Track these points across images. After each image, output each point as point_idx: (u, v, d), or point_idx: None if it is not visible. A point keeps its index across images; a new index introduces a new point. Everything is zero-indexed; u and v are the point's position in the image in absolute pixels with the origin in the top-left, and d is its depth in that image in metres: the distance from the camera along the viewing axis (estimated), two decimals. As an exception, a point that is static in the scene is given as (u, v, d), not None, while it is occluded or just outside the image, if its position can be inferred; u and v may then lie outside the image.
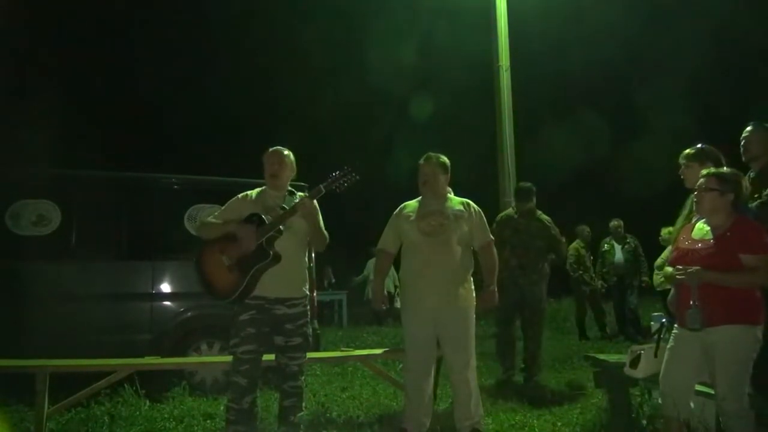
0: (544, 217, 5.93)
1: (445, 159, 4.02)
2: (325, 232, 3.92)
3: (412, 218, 3.91)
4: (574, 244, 9.38)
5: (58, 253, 5.23)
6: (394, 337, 8.65)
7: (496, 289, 3.93)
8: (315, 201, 3.88)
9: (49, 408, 4.03)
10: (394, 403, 4.85)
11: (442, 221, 3.84)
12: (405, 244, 3.94)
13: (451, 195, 4.09)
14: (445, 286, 3.76)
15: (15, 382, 4.27)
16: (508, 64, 10.34)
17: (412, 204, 4.02)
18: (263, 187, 3.91)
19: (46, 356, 4.25)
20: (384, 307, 4.08)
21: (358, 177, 3.79)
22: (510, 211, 6.06)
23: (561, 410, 4.72)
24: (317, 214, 3.76)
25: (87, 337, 5.01)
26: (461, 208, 3.95)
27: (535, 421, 4.40)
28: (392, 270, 12.24)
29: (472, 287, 3.89)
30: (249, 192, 3.91)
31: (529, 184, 6.00)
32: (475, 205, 4.02)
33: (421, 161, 3.99)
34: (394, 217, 4.05)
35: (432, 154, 4.00)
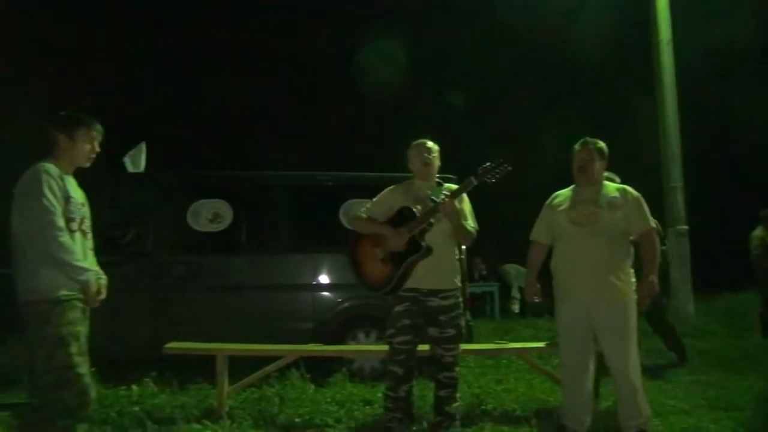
0: None
1: (602, 144, 3.80)
2: (473, 225, 3.88)
3: (563, 208, 3.75)
4: (758, 232, 8.38)
5: (231, 247, 5.77)
6: (548, 330, 8.37)
7: (656, 280, 3.64)
8: (465, 195, 3.87)
9: (228, 387, 4.46)
10: (552, 399, 4.70)
11: (594, 210, 3.63)
12: (556, 235, 3.80)
13: (609, 182, 3.86)
14: (598, 278, 3.56)
15: (199, 363, 4.76)
16: (670, 37, 9.52)
17: (565, 193, 3.86)
18: (411, 180, 3.98)
19: (224, 341, 4.70)
20: (537, 300, 3.96)
21: (510, 168, 3.72)
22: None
23: (742, 415, 4.27)
24: (459, 213, 3.74)
25: (257, 324, 5.46)
26: (616, 195, 3.70)
27: (711, 425, 4.03)
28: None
29: (632, 279, 3.64)
30: (398, 185, 4.00)
31: None
32: (633, 191, 3.74)
33: (576, 147, 3.80)
34: (545, 207, 3.91)
35: (588, 139, 3.80)
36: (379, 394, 4.34)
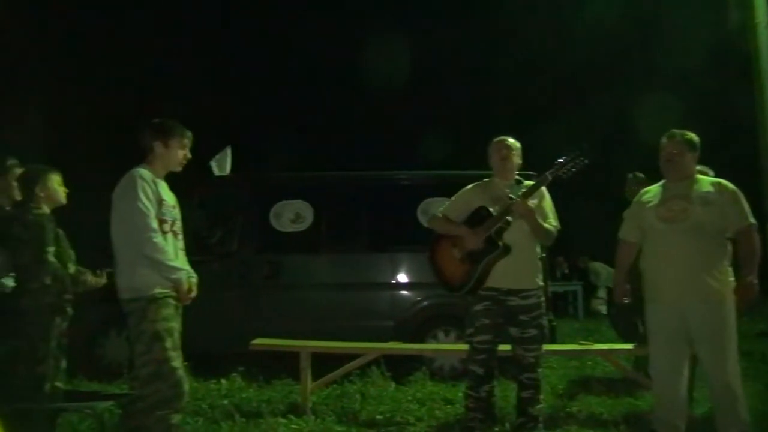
0: None
1: (692, 135, 3.57)
2: (554, 223, 3.78)
3: (652, 204, 3.56)
4: None
5: (312, 247, 5.91)
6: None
7: (756, 281, 3.39)
8: (545, 192, 3.78)
9: (311, 383, 4.57)
10: (641, 403, 4.51)
11: (685, 206, 3.42)
12: (646, 233, 3.62)
13: (702, 176, 3.64)
14: (690, 278, 3.35)
15: (283, 359, 4.91)
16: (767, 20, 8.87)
17: (654, 188, 3.67)
18: (490, 178, 3.93)
19: (307, 338, 4.83)
20: (626, 301, 3.79)
21: (587, 161, 3.59)
22: None
23: None
24: (533, 212, 3.65)
25: (338, 321, 5.56)
26: (710, 189, 3.45)
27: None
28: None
29: (729, 278, 3.41)
30: (476, 183, 3.96)
31: None
32: (729, 185, 3.48)
33: (664, 139, 3.60)
34: (634, 204, 3.74)
35: (676, 130, 3.58)
36: (460, 394, 4.32)
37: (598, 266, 11.98)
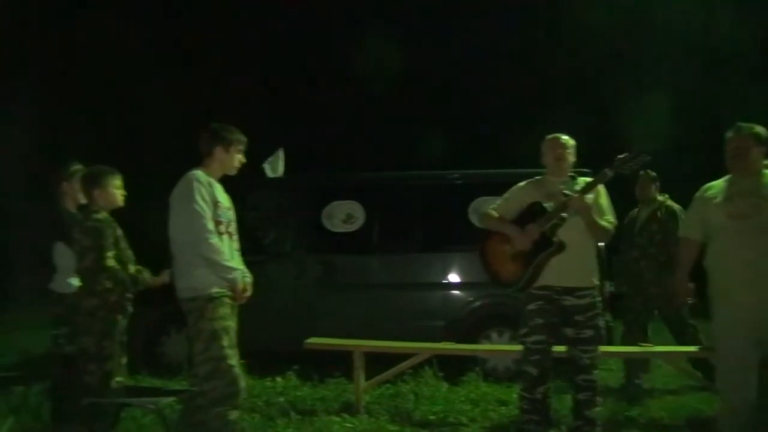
0: None
1: (759, 129, 3.40)
2: (611, 220, 3.68)
3: (717, 200, 3.41)
4: None
5: (364, 247, 5.94)
6: (700, 333, 7.71)
7: None
8: (602, 189, 3.69)
9: (364, 383, 4.60)
10: (706, 408, 4.33)
11: (756, 201, 3.26)
12: (711, 231, 3.47)
13: None
14: (762, 279, 3.20)
15: (337, 357, 4.96)
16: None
17: (718, 184, 3.51)
18: (543, 175, 3.86)
19: (359, 337, 4.86)
20: (689, 301, 3.65)
21: (649, 157, 3.48)
22: None
23: None
24: (590, 209, 3.56)
25: (390, 321, 5.58)
26: None
27: None
28: None
29: None
30: (529, 180, 3.90)
31: None
32: None
33: (730, 133, 3.44)
34: (696, 200, 3.59)
35: (743, 124, 3.42)
36: (514, 395, 4.26)
37: None
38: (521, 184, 3.90)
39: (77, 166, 3.89)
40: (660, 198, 5.11)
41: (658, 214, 5.03)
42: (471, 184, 5.97)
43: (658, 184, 5.13)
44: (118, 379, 3.55)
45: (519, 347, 3.87)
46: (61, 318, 3.69)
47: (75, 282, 3.58)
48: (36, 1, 13.98)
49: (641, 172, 4.97)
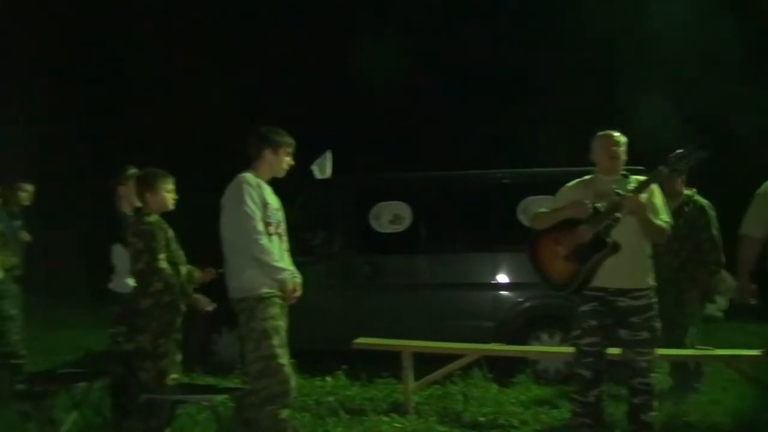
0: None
1: None
2: (666, 219, 3.56)
3: None
4: None
5: (411, 247, 5.94)
6: (762, 336, 7.38)
7: None
8: (656, 188, 3.57)
9: (413, 383, 4.59)
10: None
11: None
12: None
13: None
14: None
15: (385, 357, 4.97)
16: None
17: None
18: (593, 174, 3.77)
19: (408, 337, 4.85)
20: (753, 302, 3.50)
21: (706, 154, 3.35)
22: None
23: None
24: (645, 208, 3.44)
25: (438, 322, 5.55)
26: None
27: None
28: None
29: None
30: (580, 179, 3.81)
31: None
32: None
33: None
34: (758, 197, 3.45)
35: None
36: (566, 398, 4.17)
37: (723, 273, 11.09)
38: (571, 183, 3.82)
39: (132, 170, 4.02)
40: (687, 192, 4.92)
41: (685, 209, 4.85)
42: (519, 183, 5.89)
43: (684, 177, 4.94)
44: (173, 376, 3.65)
45: (570, 349, 3.79)
46: (119, 317, 3.83)
47: (131, 282, 3.70)
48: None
49: (659, 167, 4.82)
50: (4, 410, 3.96)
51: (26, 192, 4.95)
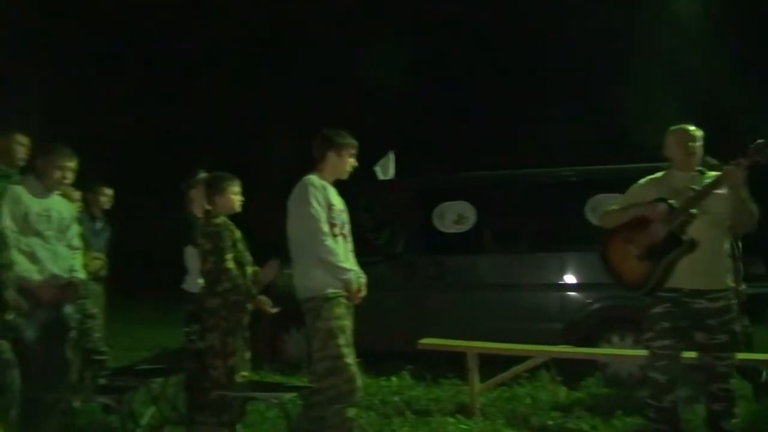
0: None
1: None
2: (753, 205, 3.36)
3: None
4: None
5: (476, 247, 5.88)
6: None
7: None
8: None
9: (478, 384, 4.54)
10: None
11: None
12: None
13: None
14: None
15: (450, 358, 4.94)
16: None
17: None
18: (666, 170, 3.61)
19: (472, 338, 4.81)
20: None
21: None
22: None
23: None
24: (743, 185, 3.25)
25: (504, 322, 5.47)
26: None
27: None
28: None
29: None
30: (652, 176, 3.66)
31: None
32: None
33: None
34: None
35: None
36: (641, 403, 4.02)
37: None
38: (642, 181, 3.67)
39: (203, 174, 4.17)
40: None
41: None
42: (587, 180, 5.73)
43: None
44: (243, 374, 3.76)
45: (643, 352, 3.65)
46: (192, 316, 3.97)
47: (202, 282, 3.84)
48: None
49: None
50: (89, 403, 4.19)
51: (106, 196, 5.21)
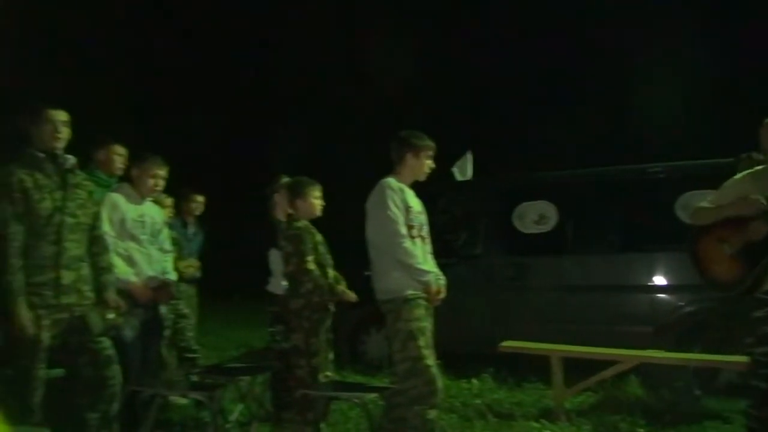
0: None
1: None
2: None
3: None
4: None
5: (558, 248, 5.72)
6: None
7: None
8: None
9: (564, 389, 4.42)
10: None
11: None
12: None
13: None
14: None
15: (533, 361, 4.84)
16: None
17: None
18: (764, 166, 3.37)
19: (555, 341, 4.68)
20: None
21: None
22: None
23: None
24: None
25: (588, 325, 5.28)
26: None
27: None
28: None
29: None
30: (747, 172, 3.44)
31: None
32: None
33: None
34: None
35: None
36: (741, 413, 3.78)
37: None
38: (738, 176, 3.45)
39: (285, 179, 4.31)
40: None
41: None
42: (677, 177, 5.44)
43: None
44: (326, 373, 3.85)
45: (743, 358, 3.43)
46: (277, 317, 4.11)
47: (286, 284, 3.96)
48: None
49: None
50: (182, 399, 4.42)
51: (197, 202, 5.47)
